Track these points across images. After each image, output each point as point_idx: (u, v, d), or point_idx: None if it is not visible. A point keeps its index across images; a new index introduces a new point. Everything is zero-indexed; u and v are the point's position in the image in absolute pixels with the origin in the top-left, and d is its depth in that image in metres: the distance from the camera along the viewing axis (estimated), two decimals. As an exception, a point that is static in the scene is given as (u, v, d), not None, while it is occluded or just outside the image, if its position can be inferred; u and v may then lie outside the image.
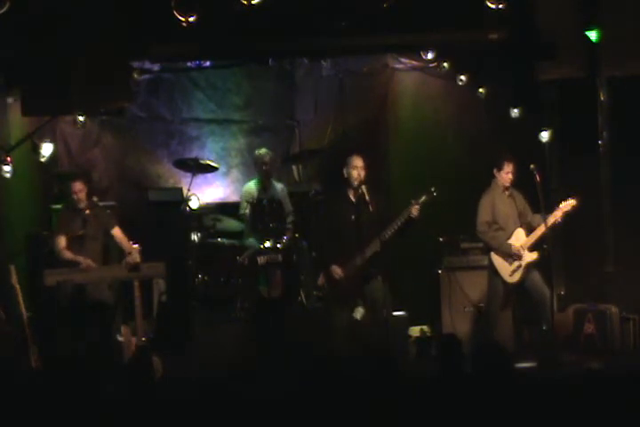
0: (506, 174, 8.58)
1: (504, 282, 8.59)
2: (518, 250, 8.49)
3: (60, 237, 8.47)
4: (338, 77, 10.63)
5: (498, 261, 8.60)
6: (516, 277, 8.54)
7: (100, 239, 8.59)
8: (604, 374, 5.08)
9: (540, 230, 8.45)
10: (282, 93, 10.90)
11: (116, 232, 8.58)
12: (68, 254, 8.41)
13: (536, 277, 8.54)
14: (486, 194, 8.68)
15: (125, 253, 8.46)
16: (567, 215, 8.43)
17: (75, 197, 8.46)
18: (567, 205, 8.41)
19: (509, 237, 8.59)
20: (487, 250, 8.76)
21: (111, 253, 8.82)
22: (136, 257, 8.37)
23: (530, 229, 8.58)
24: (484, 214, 8.63)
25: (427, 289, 9.52)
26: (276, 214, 9.39)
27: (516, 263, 8.54)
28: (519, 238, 8.57)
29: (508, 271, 8.56)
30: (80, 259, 8.34)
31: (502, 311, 8.77)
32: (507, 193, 8.65)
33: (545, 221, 8.37)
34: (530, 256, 8.52)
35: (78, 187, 8.46)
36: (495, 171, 8.62)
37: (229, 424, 4.87)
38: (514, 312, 9.00)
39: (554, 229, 8.49)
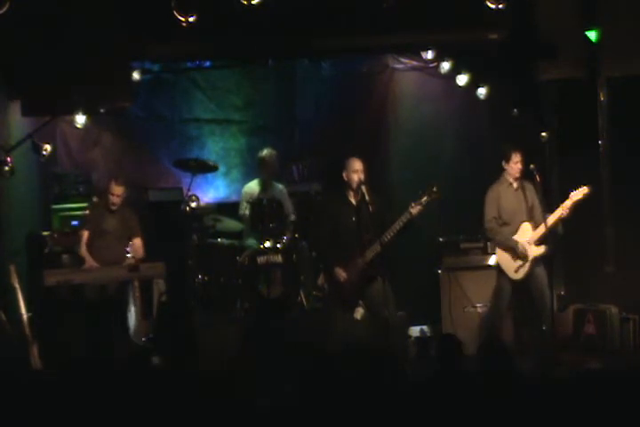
0: (515, 164, 8.46)
1: (510, 280, 8.52)
2: (524, 248, 8.41)
3: (84, 231, 8.69)
4: (338, 78, 10.63)
5: (503, 257, 8.51)
6: (521, 274, 8.46)
7: (124, 240, 8.74)
8: (604, 374, 5.07)
9: (548, 223, 8.31)
10: (282, 94, 10.87)
11: (136, 242, 8.70)
12: (83, 251, 8.61)
13: (540, 275, 8.47)
14: (491, 189, 8.59)
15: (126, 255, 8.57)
16: (577, 204, 8.29)
17: (112, 199, 8.61)
18: (579, 193, 8.28)
19: (515, 233, 8.50)
20: (489, 249, 8.73)
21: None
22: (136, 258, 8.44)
23: (537, 224, 8.44)
24: (490, 211, 8.53)
25: (427, 289, 9.51)
26: (275, 214, 9.39)
27: (520, 260, 8.49)
28: (525, 233, 8.46)
29: (512, 268, 8.48)
30: (87, 258, 8.51)
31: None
32: (514, 186, 8.53)
33: (553, 213, 8.28)
34: (536, 251, 8.41)
35: (119, 191, 8.62)
36: (504, 163, 8.53)
37: (229, 424, 4.87)
38: (514, 312, 9.00)
39: (562, 221, 8.38)
